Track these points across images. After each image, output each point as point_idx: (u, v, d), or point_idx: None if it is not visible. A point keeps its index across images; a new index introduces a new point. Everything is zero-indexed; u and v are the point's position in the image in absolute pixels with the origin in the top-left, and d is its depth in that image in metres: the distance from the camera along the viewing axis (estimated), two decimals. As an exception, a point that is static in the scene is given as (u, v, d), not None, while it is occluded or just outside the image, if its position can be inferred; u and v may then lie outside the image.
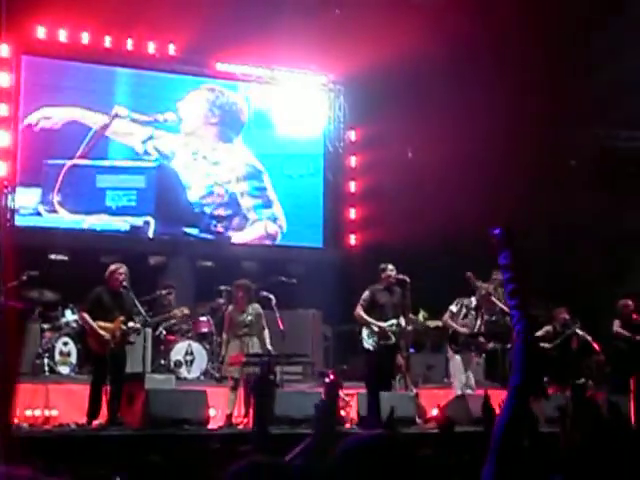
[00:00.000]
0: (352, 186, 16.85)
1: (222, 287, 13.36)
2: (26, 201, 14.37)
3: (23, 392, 10.63)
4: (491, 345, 12.73)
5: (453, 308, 12.13)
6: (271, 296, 11.48)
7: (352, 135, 16.96)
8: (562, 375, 12.22)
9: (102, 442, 8.88)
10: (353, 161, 16.94)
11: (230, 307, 11.55)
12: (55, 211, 14.50)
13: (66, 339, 12.02)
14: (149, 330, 11.51)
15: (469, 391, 11.63)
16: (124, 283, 10.30)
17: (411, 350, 12.64)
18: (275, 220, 16.07)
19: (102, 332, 10.11)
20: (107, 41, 14.81)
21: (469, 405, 10.72)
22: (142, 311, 10.56)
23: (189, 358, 12.36)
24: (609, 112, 14.76)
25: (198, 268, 14.95)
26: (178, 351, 12.36)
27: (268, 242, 16.05)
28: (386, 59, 13.47)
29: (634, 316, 13.25)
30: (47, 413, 10.49)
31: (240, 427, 10.19)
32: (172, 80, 15.71)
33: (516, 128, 14.18)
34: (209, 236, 15.60)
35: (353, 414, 10.89)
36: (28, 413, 10.37)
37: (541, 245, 13.40)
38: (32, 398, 10.54)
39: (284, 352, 11.10)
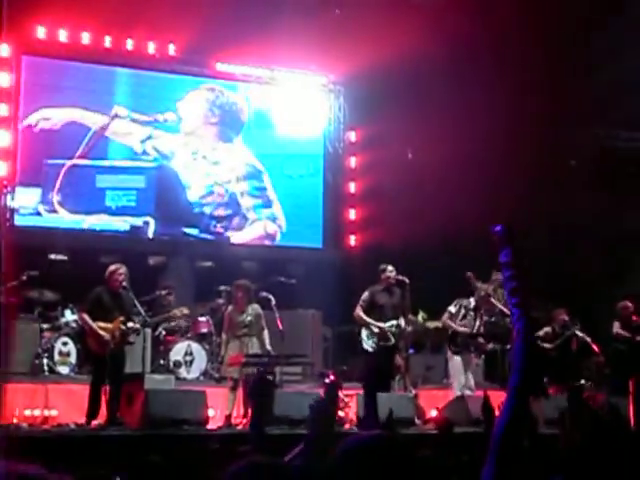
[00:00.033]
0: (352, 187, 16.84)
1: (222, 287, 13.36)
2: (26, 201, 14.36)
3: (22, 392, 10.66)
4: (490, 346, 12.72)
5: (452, 309, 12.12)
6: (271, 296, 11.48)
7: (352, 136, 16.95)
8: (561, 376, 12.22)
9: (101, 442, 8.87)
10: (353, 162, 16.93)
11: (230, 307, 11.55)
12: (55, 211, 14.49)
13: (66, 339, 12.01)
14: (148, 330, 11.51)
15: (468, 392, 11.62)
16: (124, 283, 10.30)
17: (410, 351, 12.63)
18: (274, 220, 16.06)
19: (102, 332, 10.10)
20: (107, 41, 14.80)
21: (468, 406, 10.71)
22: (142, 311, 10.55)
23: (188, 358, 12.36)
24: (609, 112, 14.75)
25: (198, 268, 14.95)
26: (177, 351, 12.35)
27: (267, 242, 16.04)
28: (386, 59, 13.47)
29: (634, 318, 13.24)
30: (46, 413, 10.49)
31: (239, 427, 10.18)
32: (172, 80, 15.71)
33: (516, 128, 14.18)
34: (209, 236, 15.59)
35: (352, 415, 10.88)
36: (27, 413, 10.38)
37: (541, 245, 13.38)
38: (31, 398, 10.55)
39: (283, 352, 11.09)
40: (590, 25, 14.35)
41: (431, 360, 14.00)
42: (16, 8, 13.17)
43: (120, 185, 14.96)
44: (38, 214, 14.42)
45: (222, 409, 10.78)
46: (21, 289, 11.89)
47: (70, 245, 14.07)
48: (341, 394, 10.34)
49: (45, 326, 12.36)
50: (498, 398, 3.61)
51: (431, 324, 13.72)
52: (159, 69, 15.48)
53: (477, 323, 12.08)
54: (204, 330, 13.05)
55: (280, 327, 11.16)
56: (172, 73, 15.58)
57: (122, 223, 14.89)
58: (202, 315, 13.24)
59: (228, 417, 10.62)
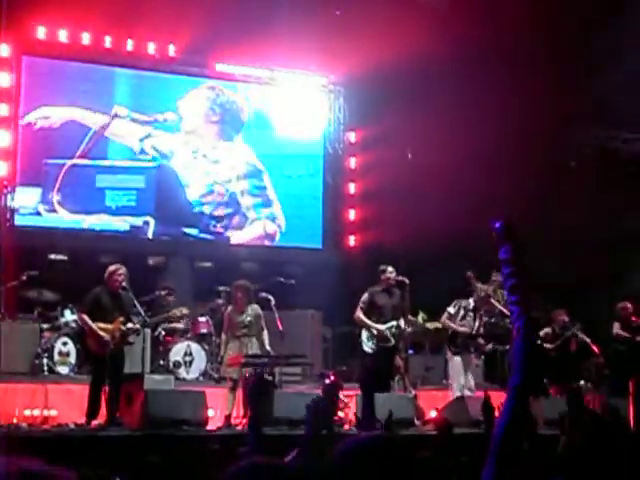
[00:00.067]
0: (351, 187, 16.84)
1: (221, 288, 13.35)
2: (26, 201, 14.36)
3: (22, 392, 10.66)
4: (490, 346, 12.72)
5: (451, 310, 12.11)
6: (270, 297, 11.47)
7: (352, 136, 16.95)
8: (561, 377, 12.21)
9: (101, 442, 8.86)
10: (353, 162, 16.93)
11: (229, 308, 11.54)
12: (55, 211, 14.49)
13: (65, 339, 12.00)
14: (148, 331, 11.51)
15: (468, 393, 11.61)
16: (123, 284, 10.28)
17: (410, 351, 12.64)
18: (274, 219, 16.06)
19: (101, 333, 10.09)
20: (107, 41, 14.80)
21: (468, 407, 10.69)
22: (141, 312, 10.54)
23: (188, 359, 12.35)
24: (609, 112, 14.76)
25: (197, 269, 14.95)
26: (177, 352, 12.35)
27: (267, 242, 16.04)
28: (386, 60, 13.46)
29: (633, 318, 13.24)
30: (46, 413, 10.49)
31: (239, 428, 10.17)
32: (172, 80, 15.70)
33: (516, 128, 14.17)
34: (208, 236, 15.59)
35: (352, 416, 10.87)
36: (27, 413, 10.37)
37: (540, 245, 13.37)
38: (31, 398, 10.54)
39: (283, 353, 11.09)
40: (590, 25, 14.36)
41: (431, 361, 14.00)
42: (16, 8, 13.21)
43: (120, 185, 14.96)
44: (38, 214, 14.42)
45: (222, 409, 10.77)
46: (21, 289, 11.90)
47: (70, 245, 14.07)
48: (341, 395, 10.34)
49: (45, 326, 12.35)
50: (498, 399, 3.60)
51: (431, 325, 13.70)
52: (159, 69, 15.48)
53: (477, 324, 12.08)
54: (204, 330, 13.04)
55: (280, 327, 11.15)
56: (172, 73, 15.58)
57: (122, 223, 14.89)
58: (202, 315, 13.24)
59: (228, 417, 10.60)
